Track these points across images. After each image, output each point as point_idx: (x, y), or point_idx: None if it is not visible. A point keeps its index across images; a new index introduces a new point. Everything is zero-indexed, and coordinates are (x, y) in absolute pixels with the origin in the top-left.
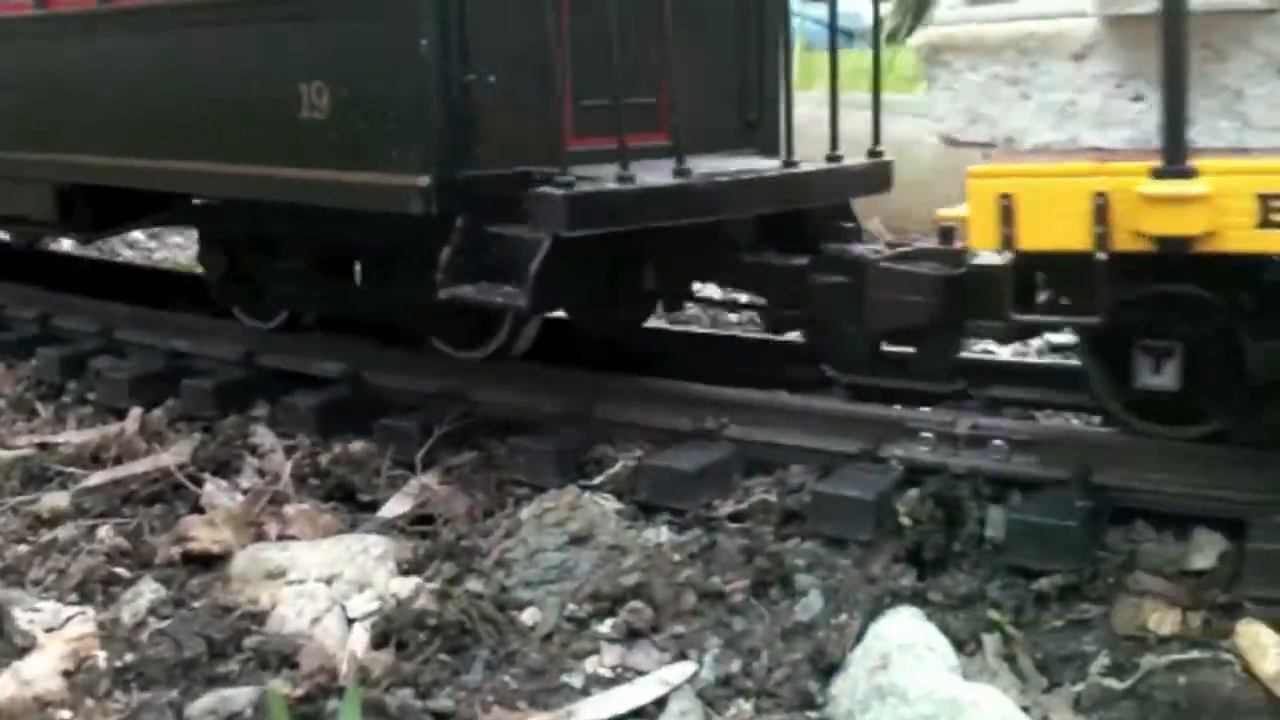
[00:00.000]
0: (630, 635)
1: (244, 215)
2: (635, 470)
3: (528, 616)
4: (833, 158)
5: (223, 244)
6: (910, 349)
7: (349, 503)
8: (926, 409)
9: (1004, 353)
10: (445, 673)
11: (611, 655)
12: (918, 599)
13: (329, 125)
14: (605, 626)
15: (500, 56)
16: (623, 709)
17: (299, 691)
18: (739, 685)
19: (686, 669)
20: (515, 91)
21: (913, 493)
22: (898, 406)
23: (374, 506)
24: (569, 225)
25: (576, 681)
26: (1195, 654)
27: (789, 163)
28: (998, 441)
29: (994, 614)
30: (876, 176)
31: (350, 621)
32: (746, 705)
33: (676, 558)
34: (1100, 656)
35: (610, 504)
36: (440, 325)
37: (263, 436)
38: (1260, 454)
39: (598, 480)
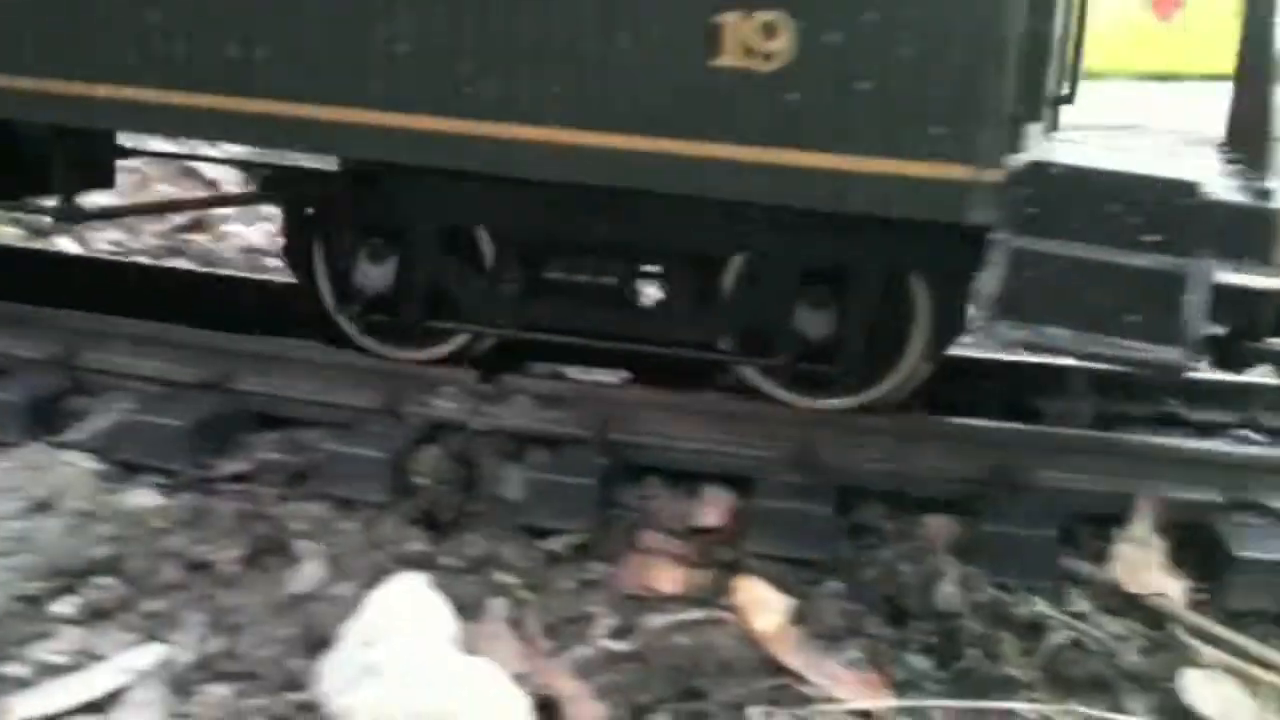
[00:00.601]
0: (95, 615)
1: (483, 201)
2: (119, 425)
3: None
4: None
5: (392, 245)
6: None
7: None
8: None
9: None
10: None
11: (68, 639)
12: (427, 563)
13: (785, 81)
14: (64, 606)
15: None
16: (71, 702)
17: None
18: (218, 668)
19: (155, 652)
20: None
21: (431, 451)
22: (419, 358)
23: None
24: None
25: (21, 672)
26: (697, 613)
27: None
28: (521, 398)
29: (504, 577)
30: None
31: None
32: (223, 690)
33: (160, 525)
34: (606, 618)
35: (86, 464)
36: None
37: None
38: (766, 411)
39: (72, 437)
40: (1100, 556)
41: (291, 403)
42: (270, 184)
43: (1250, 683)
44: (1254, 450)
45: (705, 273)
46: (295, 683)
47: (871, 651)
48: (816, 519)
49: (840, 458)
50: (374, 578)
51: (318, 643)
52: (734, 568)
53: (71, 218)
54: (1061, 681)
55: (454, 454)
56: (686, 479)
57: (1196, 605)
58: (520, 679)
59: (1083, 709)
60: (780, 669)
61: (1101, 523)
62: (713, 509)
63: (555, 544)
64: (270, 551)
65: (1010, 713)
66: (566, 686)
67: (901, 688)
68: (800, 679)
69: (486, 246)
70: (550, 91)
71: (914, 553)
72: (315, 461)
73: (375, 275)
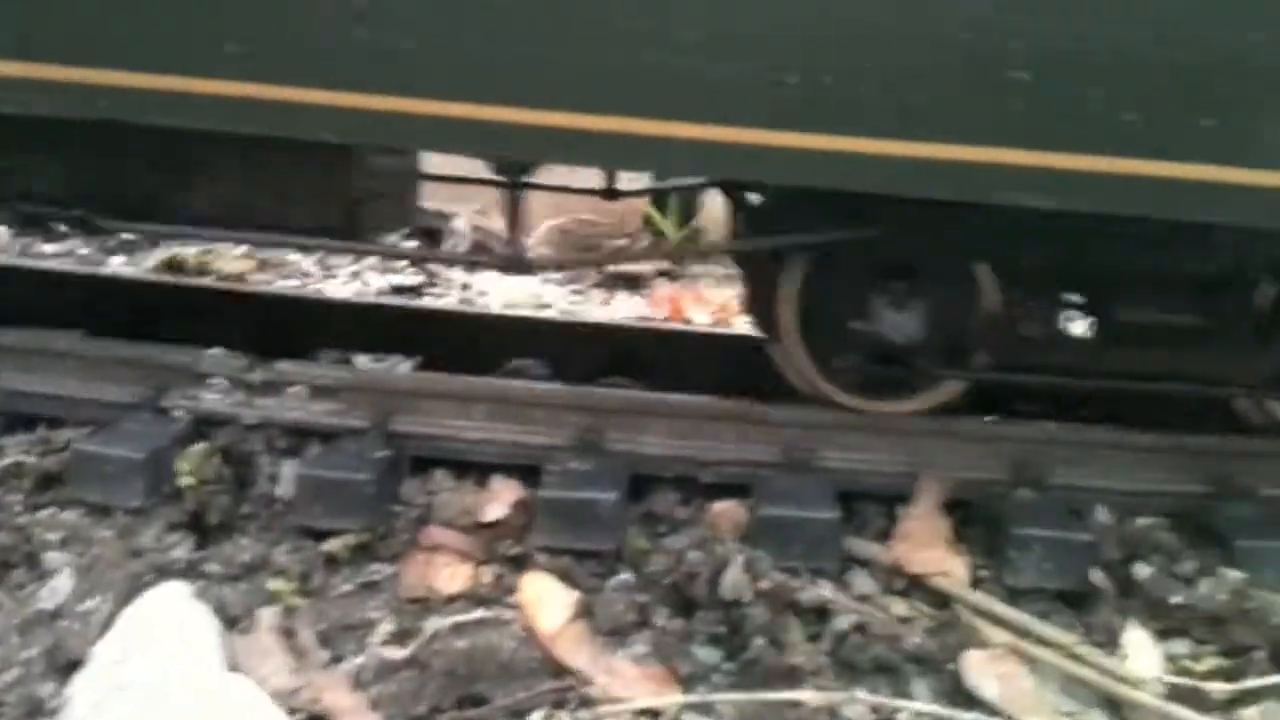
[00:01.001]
0: None
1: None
2: None
3: None
4: None
5: (917, 288)
6: None
7: None
8: (218, 350)
9: None
10: None
11: None
12: (191, 571)
13: None
14: None
15: None
16: None
17: None
18: None
19: None
20: None
21: (197, 448)
22: (186, 349)
23: None
24: None
25: None
26: (480, 613)
27: None
28: (295, 388)
29: (275, 583)
30: None
31: None
32: None
33: None
34: (384, 623)
35: None
36: None
37: None
38: (556, 395)
39: None
40: (885, 537)
41: (43, 399)
42: (759, 223)
43: (1030, 661)
44: (1034, 428)
45: (1248, 304)
46: (40, 709)
47: (659, 645)
48: (604, 508)
49: (628, 443)
50: (131, 590)
51: (66, 663)
52: (521, 562)
53: (522, 269)
54: (847, 667)
55: (223, 451)
56: (475, 470)
57: (980, 584)
58: (286, 694)
59: (866, 695)
60: (564, 669)
61: (887, 502)
62: (498, 501)
63: (333, 545)
64: (17, 564)
65: (795, 703)
66: (338, 699)
67: (688, 681)
68: (584, 679)
69: (990, 284)
70: (1194, 125)
71: (701, 540)
72: (68, 464)
73: (899, 324)
